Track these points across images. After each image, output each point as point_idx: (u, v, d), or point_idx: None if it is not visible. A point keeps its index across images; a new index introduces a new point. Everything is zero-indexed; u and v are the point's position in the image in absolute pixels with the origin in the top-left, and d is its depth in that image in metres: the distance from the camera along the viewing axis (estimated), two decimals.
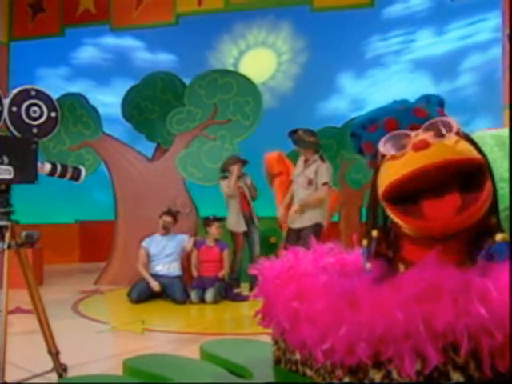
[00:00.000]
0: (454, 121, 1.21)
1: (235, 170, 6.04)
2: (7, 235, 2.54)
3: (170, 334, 4.35)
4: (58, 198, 8.81)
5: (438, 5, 9.43)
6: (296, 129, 5.43)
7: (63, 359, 2.73)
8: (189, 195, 7.00)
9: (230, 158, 6.23)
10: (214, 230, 5.94)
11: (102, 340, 4.22)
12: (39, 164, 2.66)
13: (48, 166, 2.72)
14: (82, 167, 2.87)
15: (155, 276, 5.84)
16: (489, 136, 1.55)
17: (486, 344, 1.05)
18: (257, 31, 10.86)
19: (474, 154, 1.20)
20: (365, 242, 1.34)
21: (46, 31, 8.09)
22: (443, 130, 1.19)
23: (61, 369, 2.69)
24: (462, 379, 1.10)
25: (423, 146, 1.15)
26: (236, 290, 5.93)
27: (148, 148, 7.50)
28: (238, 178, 6.17)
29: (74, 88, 8.87)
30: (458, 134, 1.22)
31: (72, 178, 2.82)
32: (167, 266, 5.91)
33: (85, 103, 7.40)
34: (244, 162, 6.23)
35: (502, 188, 1.67)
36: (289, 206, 5.53)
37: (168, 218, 6.06)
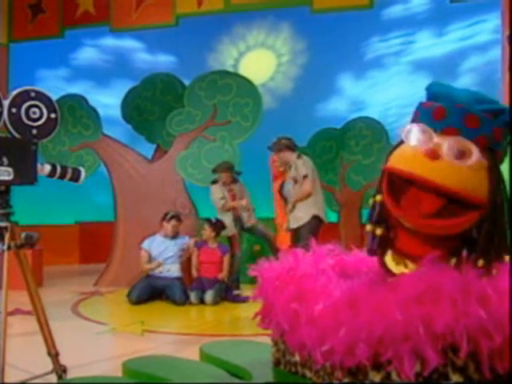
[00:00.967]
0: (479, 155, 1.16)
1: (222, 178, 6.18)
2: (7, 236, 2.54)
3: (169, 336, 4.35)
4: (57, 199, 8.80)
5: (438, 6, 9.42)
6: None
7: (63, 360, 2.73)
8: (188, 196, 7.00)
9: (223, 164, 6.25)
10: (204, 231, 5.97)
11: (101, 341, 4.22)
12: (39, 165, 2.66)
13: (48, 167, 2.72)
14: (81, 168, 2.87)
15: (155, 277, 5.83)
16: None
17: (485, 346, 1.05)
18: (256, 32, 10.86)
19: (479, 192, 1.17)
20: (371, 202, 1.33)
21: (45, 32, 8.09)
22: (463, 155, 1.15)
23: (60, 370, 2.69)
24: (461, 381, 1.10)
25: (432, 156, 1.15)
26: (235, 292, 5.93)
27: (148, 149, 7.50)
28: (228, 184, 6.21)
29: (74, 89, 8.87)
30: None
31: (72, 179, 2.82)
32: (167, 268, 5.90)
33: (84, 104, 7.40)
34: (232, 171, 6.26)
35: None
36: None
37: (177, 223, 6.07)
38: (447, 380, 1.10)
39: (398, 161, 1.22)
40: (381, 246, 1.31)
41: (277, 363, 1.47)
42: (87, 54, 10.71)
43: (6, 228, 2.55)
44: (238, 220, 6.20)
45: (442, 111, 1.21)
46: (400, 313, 1.10)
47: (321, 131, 7.76)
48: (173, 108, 7.06)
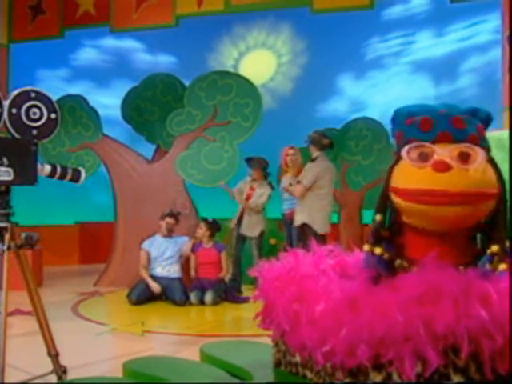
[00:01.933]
0: (483, 153, 1.24)
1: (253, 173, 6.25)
2: (7, 237, 2.54)
3: (169, 336, 4.34)
4: (57, 199, 8.80)
5: (438, 6, 9.42)
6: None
7: (63, 361, 2.72)
8: (188, 196, 7.00)
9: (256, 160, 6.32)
10: (199, 229, 5.98)
11: (101, 342, 4.22)
12: (39, 166, 2.65)
13: (48, 168, 2.72)
14: (81, 169, 2.87)
15: (155, 278, 5.83)
16: (489, 138, 1.55)
17: (486, 346, 1.05)
18: (257, 33, 10.86)
19: (492, 185, 1.22)
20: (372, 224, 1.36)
21: (45, 33, 8.09)
22: (469, 154, 1.21)
23: (60, 371, 2.68)
24: (462, 381, 1.10)
25: (444, 168, 1.19)
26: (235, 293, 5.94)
27: (148, 149, 7.50)
28: (253, 179, 6.23)
29: (74, 89, 8.87)
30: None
31: (72, 180, 2.82)
32: (167, 268, 5.90)
33: (85, 105, 7.40)
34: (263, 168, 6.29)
35: None
36: None
37: (171, 221, 6.05)
38: (448, 380, 1.10)
39: (413, 181, 1.23)
40: (388, 270, 1.30)
41: (277, 364, 1.47)
42: (87, 55, 10.71)
43: (6, 228, 2.55)
44: (240, 220, 6.19)
45: (429, 121, 1.27)
46: (401, 313, 1.10)
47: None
48: (173, 108, 7.06)
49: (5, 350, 2.43)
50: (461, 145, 1.23)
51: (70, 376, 2.71)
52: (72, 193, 7.11)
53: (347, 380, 1.21)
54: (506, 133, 1.85)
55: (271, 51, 10.97)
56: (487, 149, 1.30)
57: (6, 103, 2.54)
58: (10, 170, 2.50)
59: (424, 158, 1.23)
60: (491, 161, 1.27)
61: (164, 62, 10.73)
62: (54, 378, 2.68)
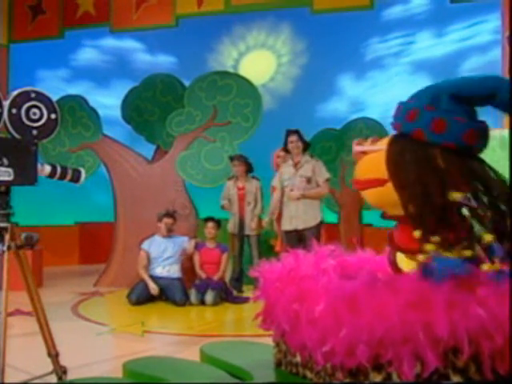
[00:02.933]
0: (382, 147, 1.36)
1: (235, 170, 6.21)
2: (7, 237, 2.54)
3: (170, 336, 4.34)
4: (57, 199, 8.80)
5: (438, 6, 9.42)
6: (293, 130, 5.50)
7: (63, 361, 2.72)
8: (188, 197, 7.00)
9: (230, 157, 6.31)
10: (206, 229, 6.00)
11: (101, 342, 4.22)
12: (39, 166, 2.65)
13: (48, 168, 2.72)
14: (81, 169, 2.87)
15: (155, 278, 5.83)
16: (491, 137, 1.55)
17: (486, 347, 1.05)
18: (256, 33, 10.85)
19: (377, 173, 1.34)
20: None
21: (45, 33, 8.09)
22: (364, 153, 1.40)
23: (60, 371, 2.68)
24: (462, 382, 1.10)
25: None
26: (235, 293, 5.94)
27: (148, 150, 7.50)
28: (237, 179, 6.22)
29: (74, 90, 8.86)
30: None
31: (72, 180, 2.82)
32: (167, 269, 5.90)
33: (85, 105, 7.40)
34: (245, 161, 6.26)
35: None
36: (279, 215, 5.55)
37: (170, 220, 6.05)
38: (448, 380, 1.10)
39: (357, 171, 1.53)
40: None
41: (278, 364, 1.47)
42: (87, 55, 10.70)
43: (6, 229, 2.55)
44: (241, 222, 6.19)
45: (399, 108, 1.36)
46: (400, 315, 1.11)
47: (321, 132, 7.76)
48: (173, 108, 7.06)
49: (5, 350, 2.43)
50: (379, 141, 1.36)
51: (70, 376, 2.71)
52: (72, 193, 7.11)
53: (347, 380, 1.21)
54: (508, 132, 1.86)
55: (271, 51, 10.97)
56: (440, 143, 1.27)
57: (6, 103, 2.54)
58: (10, 170, 2.50)
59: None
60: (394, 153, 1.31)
61: (164, 62, 10.72)
62: (54, 378, 2.68)
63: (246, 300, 5.58)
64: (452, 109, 1.25)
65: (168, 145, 7.14)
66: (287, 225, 5.41)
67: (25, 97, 2.60)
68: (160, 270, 5.90)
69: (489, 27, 8.95)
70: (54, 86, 9.92)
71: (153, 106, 7.48)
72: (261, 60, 10.90)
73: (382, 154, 1.29)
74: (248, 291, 5.87)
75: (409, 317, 1.09)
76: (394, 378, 1.14)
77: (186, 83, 7.28)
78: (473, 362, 1.10)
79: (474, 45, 9.55)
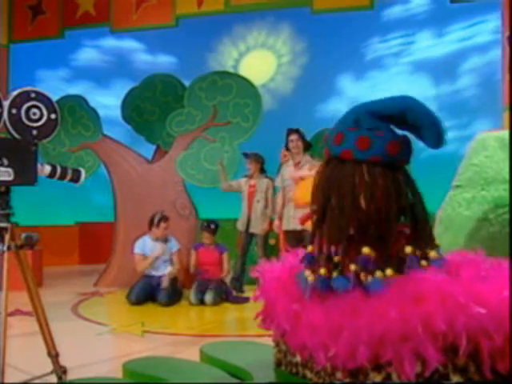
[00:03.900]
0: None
1: (250, 167, 6.19)
2: (7, 237, 2.54)
3: (169, 336, 4.34)
4: (57, 199, 8.80)
5: (438, 6, 9.43)
6: (293, 129, 5.48)
7: (63, 361, 2.72)
8: (188, 197, 7.00)
9: (245, 154, 6.32)
10: (203, 236, 6.00)
11: (101, 342, 4.22)
12: (39, 166, 2.65)
13: (48, 168, 2.72)
14: (81, 169, 2.86)
15: (153, 277, 5.84)
16: (492, 138, 1.55)
17: (485, 346, 1.05)
18: (257, 33, 10.86)
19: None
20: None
21: (45, 33, 8.10)
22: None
23: (60, 371, 2.68)
24: (462, 381, 1.10)
25: None
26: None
27: (148, 150, 7.51)
28: (250, 177, 6.19)
29: (74, 90, 8.87)
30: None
31: (72, 180, 2.82)
32: (162, 271, 5.91)
33: (84, 105, 7.40)
34: (259, 159, 6.23)
35: (505, 190, 1.67)
36: (281, 215, 5.55)
37: (166, 224, 6.02)
38: (448, 380, 1.10)
39: None
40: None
41: (278, 364, 1.47)
42: (87, 55, 10.71)
43: (6, 229, 2.55)
44: (248, 220, 6.15)
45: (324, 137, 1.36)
46: (398, 313, 1.11)
47: (321, 132, 7.76)
48: (173, 109, 7.06)
49: (5, 350, 2.43)
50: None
51: (70, 376, 2.71)
52: (72, 193, 7.11)
53: (347, 380, 1.21)
54: (507, 133, 1.86)
55: (271, 51, 10.98)
56: (367, 159, 1.29)
57: (6, 103, 2.54)
58: (10, 170, 2.50)
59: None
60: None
61: (164, 62, 10.73)
62: (54, 379, 2.68)
63: (245, 300, 5.58)
64: (373, 126, 1.31)
65: (168, 145, 7.14)
66: (286, 224, 5.41)
67: (25, 97, 2.60)
68: (154, 273, 5.91)
69: (489, 27, 8.96)
70: (54, 86, 9.93)
71: (153, 106, 7.48)
72: (261, 60, 10.91)
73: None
74: (249, 291, 5.87)
75: (407, 313, 1.10)
76: (394, 377, 1.14)
77: (186, 83, 7.28)
78: (472, 361, 1.09)
79: (474, 45, 9.56)
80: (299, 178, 5.20)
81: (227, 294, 5.81)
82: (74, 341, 4.02)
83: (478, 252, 1.28)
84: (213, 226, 6.00)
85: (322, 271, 1.24)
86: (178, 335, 4.39)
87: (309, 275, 1.27)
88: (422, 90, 9.76)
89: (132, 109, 7.58)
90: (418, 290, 1.11)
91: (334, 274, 1.24)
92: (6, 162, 2.49)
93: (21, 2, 8.12)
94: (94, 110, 7.45)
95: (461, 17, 9.45)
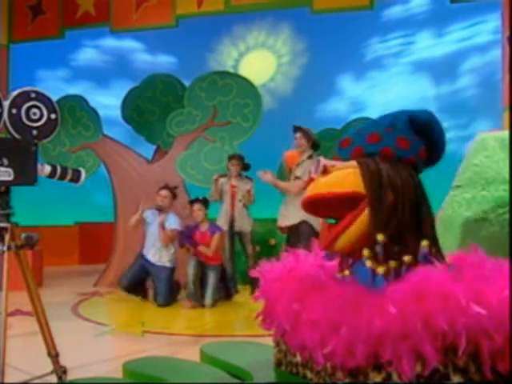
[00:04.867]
0: (348, 165, 1.40)
1: (231, 169, 6.08)
2: (7, 237, 2.54)
3: (170, 336, 4.34)
4: (57, 199, 8.81)
5: (438, 6, 9.43)
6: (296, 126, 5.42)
7: (63, 361, 2.72)
8: (188, 197, 6.99)
9: (229, 156, 6.23)
10: (194, 213, 5.75)
11: (101, 342, 4.21)
12: (39, 166, 2.65)
13: (48, 168, 2.72)
14: (81, 169, 2.86)
15: (147, 262, 5.68)
16: (492, 138, 1.55)
17: (485, 346, 1.05)
18: (257, 33, 10.87)
19: (346, 186, 1.37)
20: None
21: (45, 33, 8.09)
22: (316, 169, 1.42)
23: (60, 371, 2.68)
24: (462, 381, 1.10)
25: (310, 181, 1.44)
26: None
27: (148, 150, 7.51)
28: (230, 177, 6.16)
29: (74, 90, 8.88)
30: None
31: (72, 180, 2.81)
32: (159, 255, 5.70)
33: (85, 105, 7.40)
34: (242, 161, 6.18)
35: (505, 190, 1.67)
36: None
37: (167, 193, 5.79)
38: (448, 381, 1.10)
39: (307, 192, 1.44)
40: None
41: (278, 364, 1.47)
42: (87, 55, 10.72)
43: (6, 229, 2.55)
44: (232, 219, 6.10)
45: (347, 140, 1.47)
46: (398, 311, 1.11)
47: (321, 132, 7.74)
48: (173, 109, 7.06)
49: (5, 350, 2.43)
50: (339, 162, 1.42)
51: (70, 376, 2.71)
52: (72, 193, 7.12)
53: (347, 380, 1.21)
54: (507, 133, 1.86)
55: (271, 51, 10.98)
56: (407, 157, 1.40)
57: (6, 103, 2.54)
58: (10, 170, 2.50)
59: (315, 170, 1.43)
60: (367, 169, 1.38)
61: (164, 62, 10.74)
62: (54, 379, 2.68)
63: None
64: (407, 131, 1.41)
65: (168, 145, 7.14)
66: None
67: (25, 97, 2.60)
68: (152, 255, 5.70)
69: (489, 27, 8.96)
70: (54, 86, 9.94)
71: (153, 106, 7.48)
72: (261, 60, 10.91)
73: (339, 175, 1.38)
74: (244, 291, 5.87)
75: (407, 311, 1.10)
76: (394, 377, 1.14)
77: (186, 83, 7.28)
78: (472, 361, 1.09)
79: (474, 45, 9.56)
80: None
81: (227, 280, 5.71)
82: (74, 341, 4.02)
83: (478, 252, 1.28)
84: (201, 198, 5.81)
85: (393, 264, 1.30)
86: (178, 335, 4.39)
87: (376, 267, 1.31)
88: (421, 90, 9.77)
89: (132, 109, 7.58)
90: (419, 289, 1.12)
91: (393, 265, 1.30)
92: (6, 161, 2.49)
93: (21, 2, 8.12)
94: (94, 110, 7.45)
95: (461, 17, 9.46)
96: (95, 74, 10.54)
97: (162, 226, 5.67)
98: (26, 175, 2.58)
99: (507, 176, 1.33)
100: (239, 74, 8.87)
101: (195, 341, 3.97)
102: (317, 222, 4.91)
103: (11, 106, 2.55)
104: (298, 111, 9.64)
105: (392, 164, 1.37)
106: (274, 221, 6.73)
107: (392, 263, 1.29)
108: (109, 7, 7.73)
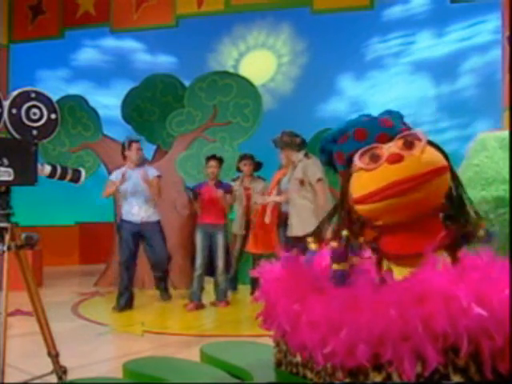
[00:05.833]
0: (422, 132, 1.32)
1: (244, 169, 6.00)
2: (7, 237, 2.54)
3: (170, 336, 4.34)
4: (57, 199, 8.81)
5: (438, 6, 9.43)
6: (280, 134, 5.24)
7: (63, 361, 2.72)
8: (188, 197, 6.99)
9: (240, 156, 6.12)
10: (209, 169, 5.56)
11: (101, 342, 4.22)
12: (39, 166, 2.65)
13: (48, 168, 2.72)
14: (81, 169, 2.86)
15: (133, 224, 5.33)
16: (492, 138, 1.56)
17: (486, 346, 1.05)
18: (257, 33, 10.87)
19: (439, 160, 1.30)
20: (334, 243, 1.37)
21: (45, 33, 8.09)
22: (412, 141, 1.29)
23: (60, 371, 2.68)
24: (462, 381, 1.10)
25: (398, 159, 1.26)
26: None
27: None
28: (243, 179, 6.10)
29: (74, 90, 8.88)
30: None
31: (72, 180, 2.81)
32: (144, 209, 5.38)
33: (85, 105, 7.40)
34: (253, 161, 6.08)
35: (505, 190, 1.67)
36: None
37: (138, 145, 5.41)
38: (448, 381, 1.10)
39: (374, 184, 1.28)
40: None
41: (278, 364, 1.47)
42: (87, 55, 10.72)
43: (6, 229, 2.55)
44: (247, 223, 6.00)
45: (362, 130, 1.37)
46: (399, 312, 1.11)
47: (321, 132, 7.75)
48: (173, 109, 7.06)
49: (5, 350, 2.43)
50: (398, 137, 1.31)
51: (70, 376, 2.70)
52: (72, 193, 7.10)
53: (347, 380, 1.21)
54: (507, 133, 1.86)
55: (271, 51, 10.98)
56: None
57: (6, 103, 2.54)
58: (10, 170, 2.50)
59: (375, 158, 1.29)
60: (429, 141, 1.33)
61: (164, 62, 10.74)
62: (54, 379, 2.68)
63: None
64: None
65: (168, 145, 7.14)
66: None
67: (25, 97, 2.59)
68: (137, 210, 5.35)
69: (489, 27, 8.96)
70: (54, 86, 9.94)
71: (153, 106, 7.48)
72: (261, 60, 10.91)
73: (425, 145, 1.31)
74: (244, 291, 5.88)
75: (408, 312, 1.10)
76: (395, 377, 1.14)
77: (186, 83, 7.28)
78: (473, 361, 1.09)
79: (474, 45, 9.56)
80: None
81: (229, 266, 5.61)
82: (74, 341, 4.02)
83: (487, 254, 1.28)
84: (218, 156, 5.65)
85: None
86: (178, 335, 4.39)
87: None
88: (421, 90, 9.77)
89: (132, 109, 7.58)
90: (420, 291, 1.11)
91: None
92: (6, 161, 2.49)
93: (21, 2, 8.12)
94: (94, 110, 7.45)
95: (461, 17, 9.45)
96: (95, 73, 10.53)
97: (146, 180, 5.31)
98: (26, 175, 2.58)
99: (507, 176, 1.33)
100: (239, 74, 8.87)
101: (195, 341, 3.97)
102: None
103: (11, 106, 2.55)
104: (297, 111, 9.64)
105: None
106: None
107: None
108: (109, 7, 7.73)
